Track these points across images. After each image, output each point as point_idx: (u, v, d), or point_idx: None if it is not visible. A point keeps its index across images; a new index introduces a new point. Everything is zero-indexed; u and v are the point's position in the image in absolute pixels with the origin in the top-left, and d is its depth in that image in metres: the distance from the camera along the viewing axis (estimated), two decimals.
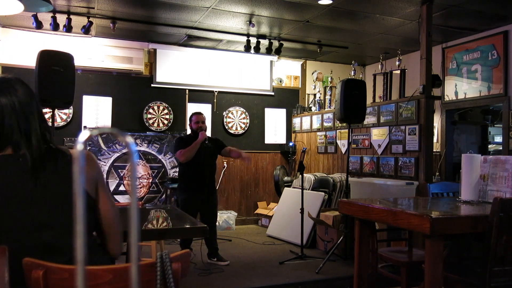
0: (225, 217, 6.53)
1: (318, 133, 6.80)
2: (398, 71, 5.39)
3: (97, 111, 6.22)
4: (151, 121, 6.50)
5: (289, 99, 7.46)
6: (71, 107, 5.76)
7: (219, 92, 6.95)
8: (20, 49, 5.86)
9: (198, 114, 4.64)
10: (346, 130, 5.93)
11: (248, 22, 5.50)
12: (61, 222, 1.30)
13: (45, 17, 5.18)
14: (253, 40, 6.07)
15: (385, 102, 5.42)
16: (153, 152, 6.33)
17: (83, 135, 0.63)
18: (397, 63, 5.52)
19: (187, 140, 4.51)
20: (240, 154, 4.56)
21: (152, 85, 6.54)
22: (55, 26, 5.25)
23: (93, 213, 1.43)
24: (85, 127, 6.09)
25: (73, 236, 1.25)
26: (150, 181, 6.28)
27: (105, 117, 6.25)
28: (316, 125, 6.88)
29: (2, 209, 1.25)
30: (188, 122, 4.96)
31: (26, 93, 1.38)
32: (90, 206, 1.40)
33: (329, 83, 7.06)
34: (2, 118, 1.31)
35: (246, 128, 7.12)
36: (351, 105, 4.61)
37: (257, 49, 6.12)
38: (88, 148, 5.43)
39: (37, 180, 1.28)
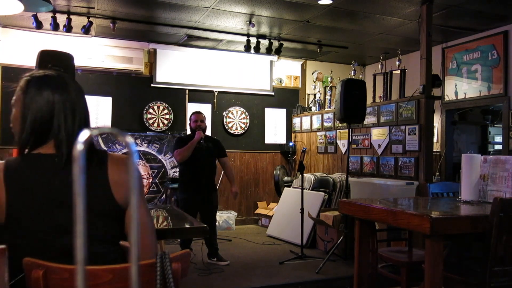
0: (225, 217, 6.53)
1: (318, 133, 6.80)
2: (398, 71, 5.39)
3: (97, 111, 6.22)
4: (151, 121, 6.50)
5: (289, 99, 7.46)
6: None
7: (219, 92, 6.95)
8: (20, 49, 5.86)
9: (197, 113, 4.64)
10: (346, 130, 5.94)
11: (248, 22, 5.50)
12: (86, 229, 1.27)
13: (45, 17, 5.18)
14: (253, 40, 6.08)
15: (385, 102, 5.42)
16: (153, 152, 6.33)
17: (83, 135, 0.63)
18: (397, 63, 5.52)
19: (186, 140, 4.51)
20: (232, 184, 4.72)
21: (152, 85, 6.54)
22: (55, 26, 5.25)
23: (118, 223, 1.35)
24: None
25: (94, 244, 1.23)
26: (150, 181, 6.29)
27: (105, 117, 6.25)
28: (316, 125, 6.88)
29: (29, 210, 1.23)
30: (188, 122, 4.96)
31: (78, 92, 1.38)
32: (114, 214, 1.33)
33: (329, 83, 7.06)
34: (52, 115, 1.30)
35: (246, 128, 7.12)
36: (351, 105, 4.61)
37: (257, 49, 6.12)
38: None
39: (66, 182, 1.23)
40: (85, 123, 1.38)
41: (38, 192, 1.23)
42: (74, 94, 1.35)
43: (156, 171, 6.33)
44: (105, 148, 6.00)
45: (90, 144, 1.33)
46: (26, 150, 1.31)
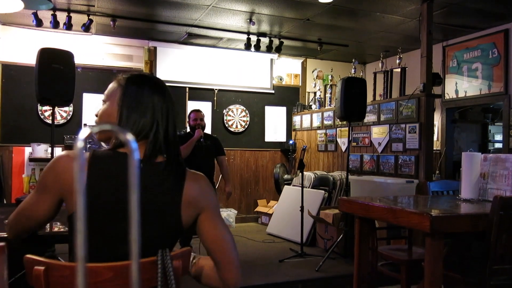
0: (225, 215, 6.53)
1: (318, 131, 6.80)
2: (399, 69, 5.39)
3: (97, 108, 6.20)
4: None
5: (289, 97, 7.46)
6: (71, 105, 5.76)
7: (219, 90, 6.95)
8: (20, 47, 5.86)
9: (196, 112, 4.64)
10: (346, 128, 5.93)
11: (248, 20, 5.50)
12: (142, 240, 1.21)
13: (45, 15, 5.17)
14: (254, 38, 6.07)
15: (385, 100, 5.41)
16: None
17: (83, 133, 0.63)
18: (397, 61, 5.51)
19: (185, 137, 4.50)
20: (227, 183, 4.71)
21: None
22: (55, 24, 5.24)
23: (174, 239, 1.29)
24: (85, 124, 6.09)
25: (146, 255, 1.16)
26: None
27: None
28: (316, 123, 6.88)
29: (96, 208, 1.18)
30: (187, 120, 4.95)
31: (171, 97, 1.35)
32: (174, 232, 1.27)
33: (329, 81, 7.05)
34: (150, 116, 1.27)
35: (246, 126, 7.12)
36: (352, 103, 4.61)
37: (257, 47, 6.11)
38: (89, 146, 5.43)
39: (142, 191, 1.17)
40: (175, 132, 1.34)
41: (110, 194, 1.19)
42: (169, 99, 1.33)
43: None
44: (105, 146, 5.99)
45: (176, 154, 1.31)
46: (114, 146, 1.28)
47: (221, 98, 6.99)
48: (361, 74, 7.38)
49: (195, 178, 1.32)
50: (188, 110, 6.48)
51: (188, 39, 6.47)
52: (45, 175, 1.26)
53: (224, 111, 6.99)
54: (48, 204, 1.26)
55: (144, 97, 1.29)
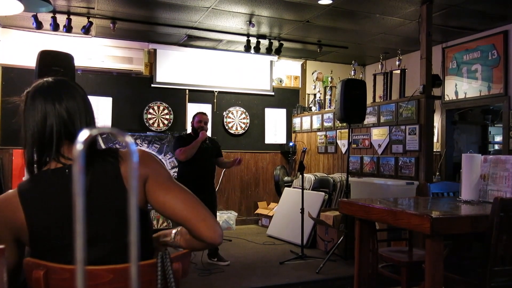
0: (225, 217, 6.53)
1: (318, 133, 6.80)
2: (398, 71, 5.39)
3: (97, 111, 6.16)
4: (151, 121, 6.50)
5: (289, 99, 7.46)
6: None
7: (219, 92, 6.95)
8: (20, 49, 5.86)
9: (202, 114, 4.65)
10: (346, 130, 5.93)
11: (248, 22, 5.50)
12: (110, 237, 1.19)
13: (45, 18, 5.18)
14: (253, 40, 6.07)
15: (385, 102, 5.41)
16: (153, 152, 6.33)
17: (83, 135, 0.63)
18: (397, 63, 5.52)
19: (187, 139, 4.51)
20: (233, 163, 4.59)
21: (152, 85, 6.54)
22: (55, 27, 5.25)
23: (141, 223, 1.22)
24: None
25: (125, 252, 1.15)
26: None
27: (105, 117, 6.25)
28: (316, 125, 6.88)
29: (51, 228, 1.18)
30: (189, 121, 4.93)
31: (72, 99, 1.30)
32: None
33: (329, 83, 7.06)
34: (46, 126, 1.23)
35: (246, 128, 7.12)
36: (351, 105, 4.61)
37: (257, 49, 6.12)
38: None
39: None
40: (91, 123, 1.33)
41: (55, 209, 1.18)
42: (66, 102, 1.27)
43: None
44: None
45: (91, 143, 1.27)
46: (36, 167, 1.25)
47: (221, 100, 6.99)
48: (360, 76, 7.40)
49: (127, 158, 1.25)
50: (188, 112, 6.51)
51: (188, 41, 6.48)
52: None
53: (224, 113, 6.99)
54: (7, 251, 1.19)
55: (37, 110, 1.25)
